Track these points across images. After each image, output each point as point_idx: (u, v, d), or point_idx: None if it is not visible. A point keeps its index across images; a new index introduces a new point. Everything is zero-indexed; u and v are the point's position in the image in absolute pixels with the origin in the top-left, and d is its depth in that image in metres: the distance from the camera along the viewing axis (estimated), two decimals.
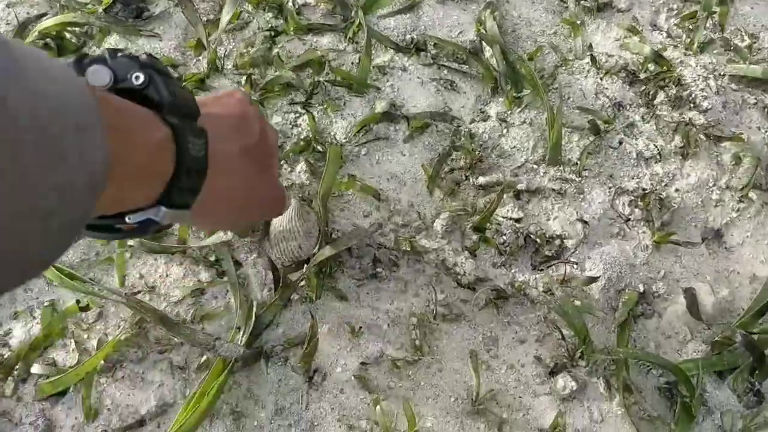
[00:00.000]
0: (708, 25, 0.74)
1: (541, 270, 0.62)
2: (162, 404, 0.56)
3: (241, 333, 0.58)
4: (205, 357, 0.57)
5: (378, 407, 0.56)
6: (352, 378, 0.57)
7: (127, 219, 0.31)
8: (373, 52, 0.73)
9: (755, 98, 0.70)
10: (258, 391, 0.57)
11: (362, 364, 0.58)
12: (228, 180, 0.35)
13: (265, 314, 0.59)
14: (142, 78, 0.31)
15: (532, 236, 0.63)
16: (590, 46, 0.73)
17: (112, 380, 0.56)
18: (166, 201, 0.30)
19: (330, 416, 0.56)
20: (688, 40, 0.73)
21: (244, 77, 0.70)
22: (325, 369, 0.58)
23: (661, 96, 0.69)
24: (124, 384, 0.56)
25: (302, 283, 0.60)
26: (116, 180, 0.25)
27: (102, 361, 0.56)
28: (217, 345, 0.57)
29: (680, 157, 0.67)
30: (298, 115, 0.69)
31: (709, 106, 0.68)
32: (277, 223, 0.59)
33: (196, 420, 0.54)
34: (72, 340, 0.58)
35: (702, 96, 0.69)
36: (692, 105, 0.69)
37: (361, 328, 0.59)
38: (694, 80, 0.70)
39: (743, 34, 0.74)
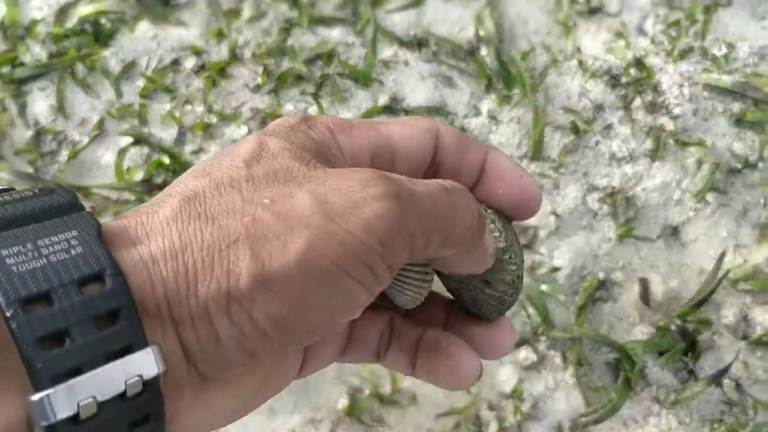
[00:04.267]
0: (690, 32, 0.80)
1: None
2: None
3: None
4: None
5: (367, 367, 0.67)
6: None
7: None
8: (379, 46, 0.79)
9: (724, 107, 0.77)
10: None
11: None
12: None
13: None
14: None
15: None
16: (579, 49, 0.80)
17: None
18: None
19: (326, 371, 0.67)
20: (670, 47, 0.79)
21: (261, 67, 0.77)
22: None
23: (638, 101, 0.76)
24: None
25: None
26: None
27: None
28: None
29: (649, 159, 0.74)
30: (308, 104, 0.76)
31: (681, 113, 0.76)
32: None
33: None
34: None
35: (675, 103, 0.76)
36: (665, 111, 0.76)
37: None
38: (670, 87, 0.77)
39: (722, 43, 0.80)
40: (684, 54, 0.79)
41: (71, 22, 0.78)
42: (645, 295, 0.70)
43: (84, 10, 0.77)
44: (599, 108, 0.77)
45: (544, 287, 0.69)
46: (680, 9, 0.82)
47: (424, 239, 0.21)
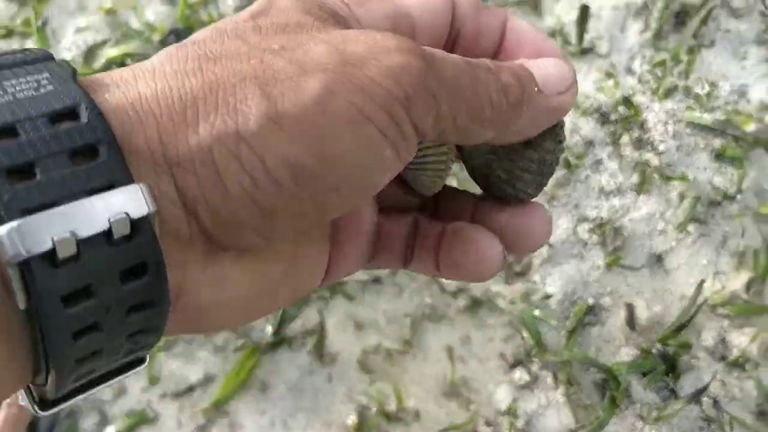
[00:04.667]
0: (675, 72, 0.86)
1: (512, 283, 0.77)
2: (207, 376, 0.72)
3: (270, 324, 0.73)
4: (241, 341, 0.73)
5: (374, 386, 0.73)
6: (356, 362, 0.73)
7: None
8: None
9: (705, 143, 0.82)
10: (280, 368, 0.73)
11: (363, 351, 0.74)
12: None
13: (289, 310, 0.74)
14: None
15: (505, 255, 0.77)
16: None
17: (170, 356, 0.73)
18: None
19: (337, 390, 0.73)
20: (656, 85, 0.85)
21: None
22: (334, 353, 0.74)
23: (626, 137, 0.82)
24: (179, 359, 0.73)
25: None
26: None
27: (162, 342, 0.73)
28: (251, 333, 0.73)
29: (635, 192, 0.80)
30: None
31: (665, 149, 0.81)
32: None
33: (233, 389, 0.71)
34: None
35: (660, 140, 0.82)
36: (651, 147, 0.82)
37: (363, 322, 0.75)
38: (655, 125, 0.82)
39: (704, 82, 0.86)
40: (669, 93, 0.85)
41: (99, 63, 0.84)
42: (631, 320, 0.75)
43: (111, 51, 0.83)
44: (590, 144, 0.83)
45: (537, 312, 0.75)
46: (666, 50, 0.87)
47: (450, 108, 0.19)
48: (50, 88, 0.16)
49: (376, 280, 0.76)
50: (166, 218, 0.17)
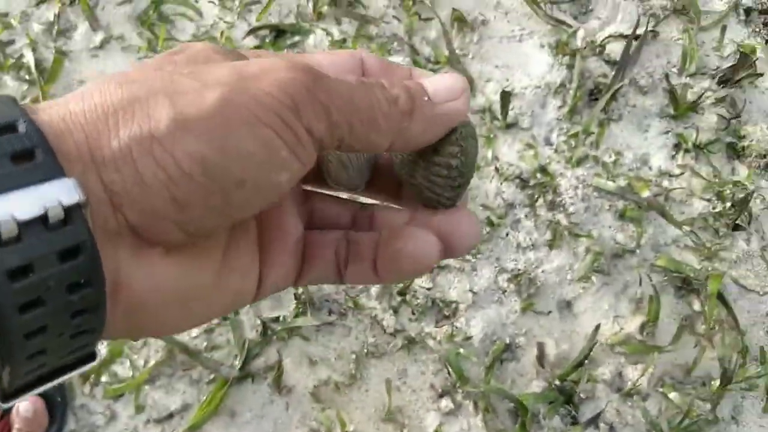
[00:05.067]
0: (587, 142, 1.01)
1: (441, 326, 0.91)
2: (184, 405, 0.87)
3: (237, 360, 0.88)
4: (213, 375, 0.88)
5: (324, 413, 0.87)
6: (309, 393, 0.88)
7: None
8: None
9: (610, 204, 0.97)
10: (246, 398, 0.87)
11: (316, 384, 0.88)
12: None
13: (253, 348, 0.89)
14: None
15: (437, 301, 0.92)
16: (497, 157, 1.01)
17: (153, 387, 0.88)
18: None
19: (293, 417, 0.87)
20: (570, 155, 1.00)
21: None
22: (290, 386, 0.88)
23: (541, 200, 0.97)
24: (161, 390, 0.87)
25: (278, 327, 0.90)
26: None
27: (146, 374, 0.87)
28: (221, 368, 0.88)
29: (548, 248, 0.95)
30: None
31: (575, 211, 0.96)
32: None
33: (206, 416, 0.86)
34: (128, 359, 0.89)
35: (570, 202, 0.96)
36: (563, 208, 0.97)
37: (316, 359, 0.89)
38: (567, 189, 0.97)
39: (611, 151, 1.01)
40: (580, 161, 1.00)
41: None
42: (541, 357, 0.90)
43: None
44: (510, 205, 0.97)
45: (461, 350, 0.89)
46: (579, 124, 1.03)
47: (344, 118, 0.22)
48: None
49: (329, 324, 0.91)
50: (95, 212, 0.19)
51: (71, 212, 0.18)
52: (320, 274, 0.28)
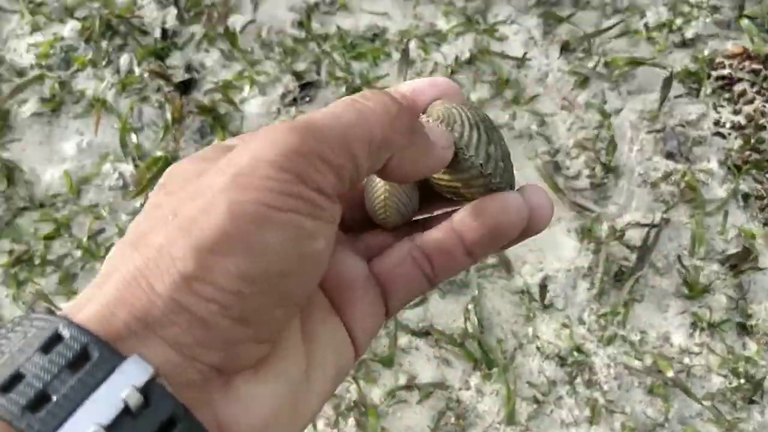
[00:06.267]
0: (615, 322, 1.15)
1: None
2: None
3: None
4: None
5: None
6: None
7: None
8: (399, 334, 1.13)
9: (639, 381, 1.10)
10: None
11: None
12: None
13: None
14: None
15: None
16: (537, 336, 1.14)
17: None
18: None
19: None
20: (601, 334, 1.14)
21: None
22: None
23: (579, 379, 1.10)
24: None
25: None
26: None
27: None
28: None
29: (588, 423, 1.07)
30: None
31: (609, 389, 1.09)
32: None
33: None
34: None
35: (605, 380, 1.09)
36: (599, 386, 1.09)
37: None
38: (601, 368, 1.10)
39: (637, 330, 1.14)
40: (610, 340, 1.13)
41: None
42: None
43: None
44: (553, 383, 1.10)
45: None
46: (608, 304, 1.17)
47: (346, 154, 0.22)
48: (33, 330, 0.20)
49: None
50: (171, 374, 0.19)
51: (148, 389, 0.19)
52: (406, 291, 0.28)
